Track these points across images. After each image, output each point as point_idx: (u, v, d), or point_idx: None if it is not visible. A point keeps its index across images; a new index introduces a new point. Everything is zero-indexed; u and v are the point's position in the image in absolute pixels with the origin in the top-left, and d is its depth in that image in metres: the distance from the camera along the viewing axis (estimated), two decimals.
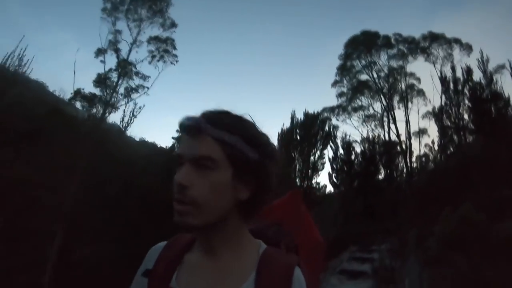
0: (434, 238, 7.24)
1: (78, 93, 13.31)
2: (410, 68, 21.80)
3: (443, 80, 16.43)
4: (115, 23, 16.28)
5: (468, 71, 15.77)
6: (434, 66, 20.47)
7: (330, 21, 39.00)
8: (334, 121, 21.22)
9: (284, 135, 17.79)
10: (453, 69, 17.74)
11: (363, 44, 20.72)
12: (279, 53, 40.88)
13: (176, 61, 14.48)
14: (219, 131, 0.85)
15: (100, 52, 15.04)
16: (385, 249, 10.33)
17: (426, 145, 20.49)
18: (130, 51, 15.70)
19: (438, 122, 17.58)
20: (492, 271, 5.54)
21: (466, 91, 15.35)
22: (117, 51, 15.58)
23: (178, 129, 0.93)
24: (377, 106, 21.80)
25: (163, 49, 14.40)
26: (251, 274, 0.86)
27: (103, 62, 14.73)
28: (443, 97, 17.34)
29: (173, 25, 16.49)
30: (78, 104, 13.35)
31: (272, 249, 0.93)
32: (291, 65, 40.68)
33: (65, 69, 45.89)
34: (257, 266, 0.87)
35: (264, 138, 0.93)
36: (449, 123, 15.96)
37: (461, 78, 15.98)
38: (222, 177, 0.84)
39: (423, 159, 20.03)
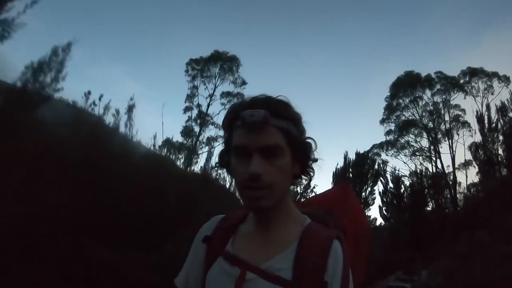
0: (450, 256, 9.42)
1: (167, 142, 16.82)
2: (454, 101, 23.34)
3: (479, 118, 17.90)
4: (195, 79, 20.20)
5: (502, 108, 17.39)
6: (475, 100, 22.26)
7: (374, 62, 42.13)
8: (383, 156, 23.25)
9: (338, 174, 19.88)
10: (487, 107, 19.43)
11: (407, 85, 22.51)
12: (328, 95, 43.87)
13: None
14: (279, 120, 0.91)
15: (187, 109, 19.11)
16: (426, 273, 12.27)
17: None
18: (208, 105, 19.65)
19: (475, 159, 19.03)
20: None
21: (500, 127, 16.94)
22: (199, 106, 19.54)
23: (229, 123, 0.97)
24: (424, 141, 23.43)
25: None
26: (294, 243, 0.93)
27: (191, 119, 18.83)
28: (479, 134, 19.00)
29: (244, 83, 20.16)
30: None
31: (315, 224, 1.01)
32: (340, 106, 43.18)
33: (116, 101, 49.32)
34: (299, 236, 0.94)
35: (300, 116, 1.00)
36: (485, 158, 17.36)
37: (496, 116, 17.66)
38: (286, 161, 0.92)
39: (466, 190, 21.07)
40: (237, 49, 49.73)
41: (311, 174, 1.03)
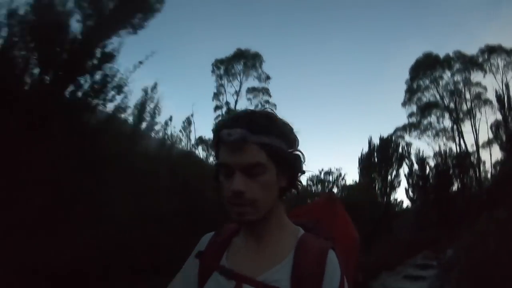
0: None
1: (201, 140, 17.66)
2: (475, 79, 23.39)
3: (498, 98, 18.21)
4: (221, 78, 21.14)
5: None
6: (495, 78, 22.35)
7: (392, 44, 40.17)
8: (407, 138, 23.52)
9: (364, 159, 20.54)
10: (506, 86, 19.75)
11: (426, 67, 22.79)
12: (348, 81, 42.46)
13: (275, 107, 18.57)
14: (260, 136, 0.91)
15: (217, 107, 20.07)
16: (451, 251, 12.46)
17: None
18: (236, 102, 20.60)
19: (495, 138, 19.53)
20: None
21: None
22: (227, 104, 20.49)
23: (215, 139, 0.98)
24: (447, 122, 23.66)
25: (264, 100, 18.68)
26: (290, 254, 0.95)
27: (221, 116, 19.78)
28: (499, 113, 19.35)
29: (268, 77, 21.08)
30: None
31: (309, 235, 1.02)
32: (361, 91, 41.89)
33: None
34: (295, 247, 0.96)
35: (287, 127, 1.01)
36: (506, 137, 17.72)
37: None
38: (269, 177, 0.93)
39: (491, 169, 21.46)
40: (255, 41, 48.49)
41: (299, 187, 1.04)
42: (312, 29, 41.43)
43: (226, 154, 0.94)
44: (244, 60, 20.47)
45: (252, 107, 19.17)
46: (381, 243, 14.47)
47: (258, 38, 47.82)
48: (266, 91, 19.04)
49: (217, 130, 0.98)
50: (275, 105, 18.31)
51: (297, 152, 1.01)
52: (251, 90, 20.73)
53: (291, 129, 1.02)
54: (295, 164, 1.00)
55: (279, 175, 0.96)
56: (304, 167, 1.04)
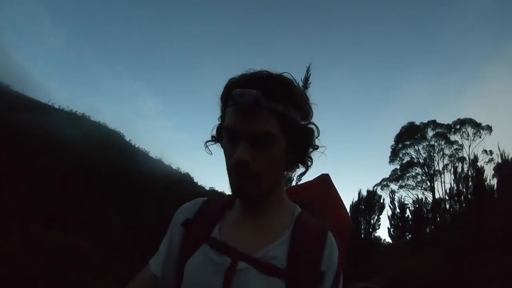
0: None
1: None
2: (453, 138, 29.48)
3: (455, 170, 23.95)
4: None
5: (474, 161, 23.59)
6: (468, 145, 28.20)
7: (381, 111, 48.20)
8: (392, 186, 29.16)
9: (354, 206, 26.42)
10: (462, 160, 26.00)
11: (407, 136, 28.73)
12: (345, 138, 50.89)
13: None
14: (273, 103, 0.83)
15: None
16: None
17: None
18: None
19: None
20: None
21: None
22: None
23: (223, 99, 0.90)
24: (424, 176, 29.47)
25: None
26: (287, 231, 0.89)
27: None
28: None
29: None
30: None
31: (307, 213, 0.96)
32: (356, 147, 50.88)
33: (135, 117, 54.60)
34: (293, 224, 0.90)
35: (304, 97, 0.92)
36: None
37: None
38: (278, 150, 0.85)
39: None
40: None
41: (309, 163, 0.96)
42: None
43: (234, 118, 0.84)
44: None
45: None
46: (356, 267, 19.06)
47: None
48: None
49: (228, 87, 0.89)
50: None
51: (311, 126, 0.93)
52: None
53: (307, 99, 0.93)
54: (307, 138, 0.92)
55: (289, 148, 0.88)
56: (317, 142, 0.95)
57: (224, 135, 0.89)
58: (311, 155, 0.96)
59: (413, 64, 49.01)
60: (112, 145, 12.82)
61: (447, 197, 24.82)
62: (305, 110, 0.92)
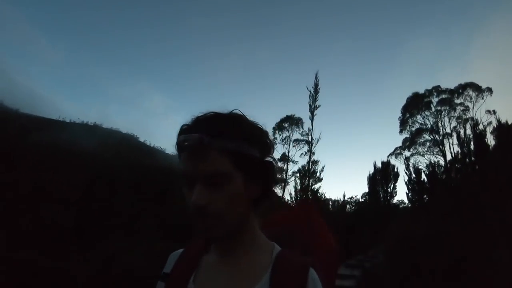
0: None
1: None
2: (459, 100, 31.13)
3: (458, 135, 25.70)
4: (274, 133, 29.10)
5: (475, 124, 25.34)
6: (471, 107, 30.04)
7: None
8: (406, 153, 30.30)
9: (370, 178, 27.95)
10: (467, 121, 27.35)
11: (414, 106, 29.88)
12: (356, 112, 52.58)
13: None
14: (222, 141, 0.81)
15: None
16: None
17: None
18: (288, 151, 27.88)
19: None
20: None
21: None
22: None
23: (176, 147, 0.87)
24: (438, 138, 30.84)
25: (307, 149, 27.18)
26: (266, 273, 0.86)
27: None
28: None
29: (307, 134, 28.25)
30: None
31: (287, 251, 0.92)
32: (369, 118, 51.60)
33: (145, 116, 53.96)
34: (271, 266, 0.87)
35: (259, 131, 0.90)
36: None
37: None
38: (235, 187, 0.84)
39: None
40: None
41: (271, 197, 0.94)
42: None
43: (186, 162, 0.84)
44: (290, 122, 27.81)
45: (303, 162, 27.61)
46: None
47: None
48: (307, 142, 25.00)
49: (178, 134, 0.88)
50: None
51: (269, 159, 0.90)
52: (296, 141, 27.69)
53: (262, 133, 0.91)
54: (267, 172, 0.89)
55: (248, 184, 0.86)
56: (278, 176, 0.94)
57: (182, 181, 0.87)
58: (273, 189, 0.94)
59: (416, 20, 48.97)
60: (129, 149, 12.79)
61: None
62: (261, 144, 0.89)
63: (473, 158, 22.34)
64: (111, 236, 7.37)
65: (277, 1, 51.83)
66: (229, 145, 0.83)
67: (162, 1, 50.40)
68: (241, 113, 0.90)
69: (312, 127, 14.06)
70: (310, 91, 13.82)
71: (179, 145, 0.84)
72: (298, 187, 16.71)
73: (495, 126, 21.31)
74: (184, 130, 0.87)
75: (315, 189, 19.24)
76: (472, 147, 23.26)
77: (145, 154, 13.61)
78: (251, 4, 52.30)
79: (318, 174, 21.12)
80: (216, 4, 54.12)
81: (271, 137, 0.95)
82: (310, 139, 15.10)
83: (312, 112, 13.76)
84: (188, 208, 0.85)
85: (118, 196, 8.34)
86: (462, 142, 24.99)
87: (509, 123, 20.26)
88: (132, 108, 54.90)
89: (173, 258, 1.03)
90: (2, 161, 6.74)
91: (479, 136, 21.45)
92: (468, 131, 25.23)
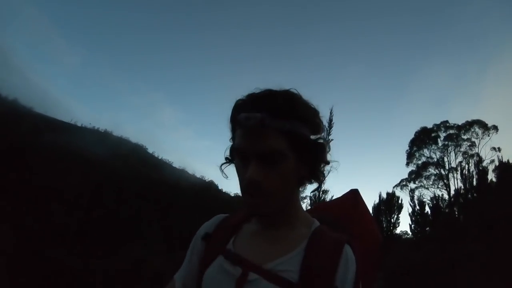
0: None
1: None
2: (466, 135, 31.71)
3: (461, 172, 26.05)
4: None
5: (479, 161, 26.12)
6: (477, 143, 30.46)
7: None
8: (411, 185, 30.51)
9: (375, 207, 28.09)
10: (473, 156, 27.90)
11: (421, 141, 30.49)
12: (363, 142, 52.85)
13: None
14: (280, 121, 0.83)
15: None
16: None
17: None
18: None
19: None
20: None
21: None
22: None
23: (233, 122, 0.91)
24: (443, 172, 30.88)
25: None
26: (302, 244, 0.88)
27: None
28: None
29: None
30: None
31: (325, 226, 0.94)
32: (376, 152, 51.87)
33: (155, 127, 53.78)
34: (308, 237, 0.89)
35: (312, 111, 0.91)
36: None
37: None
38: (289, 166, 0.86)
39: None
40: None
41: (321, 178, 0.95)
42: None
43: (242, 139, 0.86)
44: None
45: None
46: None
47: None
48: None
49: (235, 110, 0.90)
50: None
51: (321, 140, 0.91)
52: None
53: (316, 113, 0.92)
54: (318, 152, 0.91)
55: (300, 164, 0.88)
56: (329, 157, 0.93)
57: (235, 156, 0.90)
58: (323, 170, 0.95)
59: (431, 47, 48.87)
60: (137, 159, 12.59)
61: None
62: (315, 124, 0.90)
63: (475, 194, 23.17)
64: (136, 241, 7.54)
65: (292, 23, 53.18)
66: (286, 125, 0.83)
67: (185, 15, 51.27)
68: (297, 92, 0.90)
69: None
70: (324, 126, 14.81)
71: (239, 122, 0.84)
72: None
73: (497, 164, 22.11)
74: (242, 107, 0.87)
75: None
76: (474, 183, 24.17)
77: (153, 166, 13.47)
78: (268, 23, 53.19)
79: None
80: (235, 22, 55.01)
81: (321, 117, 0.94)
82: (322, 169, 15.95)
83: None
84: (241, 184, 0.88)
85: (126, 204, 8.30)
86: (465, 178, 25.90)
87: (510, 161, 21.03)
88: (143, 118, 55.08)
89: (215, 221, 1.05)
90: (14, 158, 6.77)
91: (482, 173, 22.35)
92: (472, 168, 26.25)
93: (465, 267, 9.76)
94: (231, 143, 0.96)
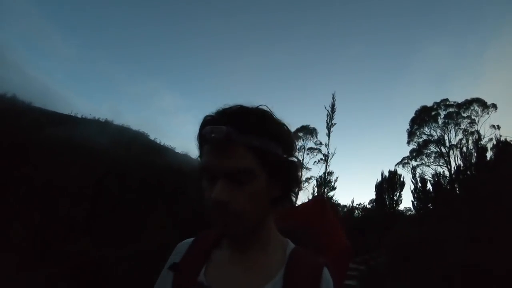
0: None
1: None
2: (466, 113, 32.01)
3: (461, 150, 27.23)
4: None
5: (477, 139, 26.92)
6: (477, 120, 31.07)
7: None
8: (413, 163, 30.85)
9: (378, 185, 28.70)
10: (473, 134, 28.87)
11: (421, 119, 30.77)
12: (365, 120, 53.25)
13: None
14: (248, 137, 0.78)
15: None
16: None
17: None
18: (303, 159, 28.30)
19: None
20: None
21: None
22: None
23: (199, 138, 0.84)
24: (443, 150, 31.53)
25: (320, 158, 27.73)
26: (280, 271, 0.83)
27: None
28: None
29: (321, 143, 28.90)
30: None
31: (301, 249, 0.90)
32: (379, 130, 52.16)
33: (156, 114, 54.50)
34: (286, 263, 0.85)
35: (284, 128, 0.87)
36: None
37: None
38: (258, 185, 0.80)
39: None
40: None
41: (293, 199, 0.91)
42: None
43: (209, 156, 0.81)
44: (305, 132, 28.67)
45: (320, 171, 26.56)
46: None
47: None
48: (319, 150, 27.22)
49: (202, 125, 0.84)
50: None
51: (293, 159, 0.87)
52: (309, 149, 28.65)
53: (288, 132, 0.88)
54: (290, 172, 0.87)
55: (272, 183, 0.84)
56: (300, 176, 0.90)
57: (202, 175, 0.84)
58: (297, 190, 0.91)
59: (432, 27, 49.25)
60: (139, 147, 12.44)
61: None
62: (287, 143, 0.86)
63: (474, 172, 24.00)
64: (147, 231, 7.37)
65: (291, 6, 53.15)
66: (255, 142, 0.79)
67: (178, 1, 50.29)
68: (268, 109, 0.86)
69: (329, 143, 15.71)
70: (327, 110, 15.44)
71: (204, 136, 0.79)
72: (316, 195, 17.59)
73: (495, 143, 22.90)
74: (209, 122, 0.82)
75: (330, 197, 20.98)
76: (473, 160, 25.00)
77: (155, 152, 13.17)
78: (267, 7, 52.92)
79: (332, 183, 23.27)
80: (232, 5, 55.28)
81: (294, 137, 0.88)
82: (326, 153, 16.86)
83: (328, 129, 15.47)
84: (207, 204, 0.81)
85: (130, 193, 8.26)
86: (464, 157, 26.82)
87: (508, 140, 21.81)
88: (144, 106, 54.78)
89: (182, 247, 0.98)
90: (16, 155, 6.66)
91: (481, 151, 23.17)
92: (471, 146, 27.06)
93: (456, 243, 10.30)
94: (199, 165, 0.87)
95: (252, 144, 0.79)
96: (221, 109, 0.85)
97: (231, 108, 0.84)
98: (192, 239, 1.00)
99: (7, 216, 6.27)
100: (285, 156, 0.85)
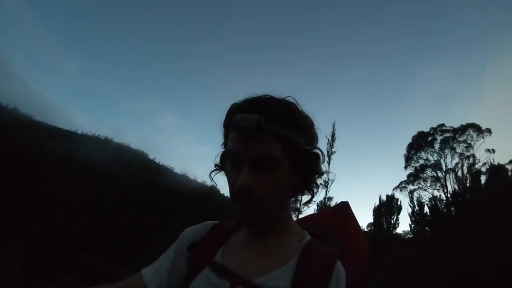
0: None
1: None
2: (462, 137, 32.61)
3: (455, 175, 26.70)
4: None
5: (472, 164, 27.60)
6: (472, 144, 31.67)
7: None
8: (411, 187, 31.07)
9: (376, 209, 28.83)
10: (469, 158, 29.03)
11: (418, 146, 31.16)
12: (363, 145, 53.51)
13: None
14: (277, 127, 0.79)
15: None
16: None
17: None
18: None
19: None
20: None
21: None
22: None
23: (225, 125, 0.87)
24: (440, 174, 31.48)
25: (319, 183, 29.06)
26: (293, 259, 0.84)
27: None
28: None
29: (326, 173, 29.89)
30: None
31: (316, 240, 0.90)
32: (377, 155, 52.55)
33: (155, 134, 55.40)
34: (300, 252, 0.85)
35: (308, 121, 0.88)
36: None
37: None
38: (283, 174, 0.82)
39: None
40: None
41: (314, 189, 0.92)
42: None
43: (236, 142, 0.82)
44: None
45: None
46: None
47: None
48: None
49: (230, 113, 0.86)
50: None
51: (316, 150, 0.89)
52: None
53: (312, 124, 0.90)
54: (312, 163, 0.88)
55: (294, 173, 0.85)
56: (322, 168, 0.90)
57: (227, 161, 0.86)
58: (317, 181, 0.92)
59: (427, 54, 49.80)
60: (138, 165, 12.38)
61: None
62: (310, 135, 0.88)
63: (468, 196, 24.73)
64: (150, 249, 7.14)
65: (292, 29, 54.70)
66: (282, 131, 0.80)
67: (182, 22, 53.60)
68: (295, 101, 0.88)
69: (329, 170, 16.23)
70: (328, 139, 15.83)
71: (234, 123, 0.80)
72: None
73: (488, 167, 23.61)
74: (238, 109, 0.83)
75: None
76: (468, 185, 25.72)
77: (154, 171, 13.13)
78: (267, 30, 54.19)
79: None
80: (234, 28, 57.04)
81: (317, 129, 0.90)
82: (327, 179, 17.51)
83: (329, 157, 16.02)
84: (231, 190, 0.83)
85: (129, 210, 8.22)
86: (459, 181, 27.54)
87: (501, 164, 22.50)
88: (144, 125, 55.86)
89: (202, 229, 1.00)
90: (16, 165, 6.66)
91: (475, 175, 23.99)
92: (465, 171, 27.77)
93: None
94: (223, 149, 0.91)
95: (279, 133, 0.80)
96: (249, 98, 0.86)
97: (259, 98, 0.86)
98: (213, 222, 1.02)
99: (6, 227, 6.22)
100: (308, 147, 0.87)
